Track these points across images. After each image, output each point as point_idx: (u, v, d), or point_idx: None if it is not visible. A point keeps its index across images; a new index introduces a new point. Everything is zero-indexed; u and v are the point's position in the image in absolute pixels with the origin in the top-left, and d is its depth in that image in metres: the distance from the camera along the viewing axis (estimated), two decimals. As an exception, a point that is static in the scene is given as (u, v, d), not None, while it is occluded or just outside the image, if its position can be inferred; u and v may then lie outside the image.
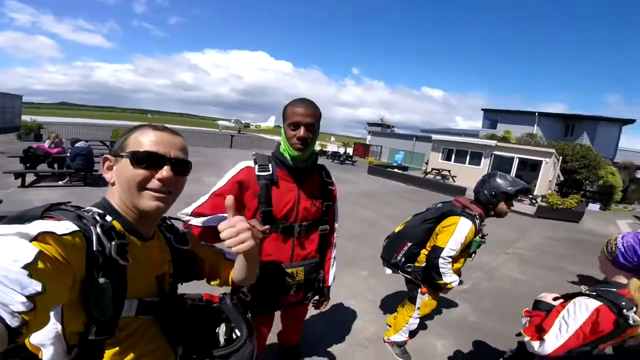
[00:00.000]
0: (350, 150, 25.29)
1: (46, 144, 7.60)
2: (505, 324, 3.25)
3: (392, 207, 8.64)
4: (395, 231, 2.52)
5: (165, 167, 0.77)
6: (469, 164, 18.13)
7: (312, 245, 1.51)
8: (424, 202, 9.94)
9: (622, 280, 1.27)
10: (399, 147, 27.86)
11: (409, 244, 2.35)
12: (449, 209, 2.19)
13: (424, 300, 2.35)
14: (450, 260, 2.07)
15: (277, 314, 1.70)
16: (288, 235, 1.43)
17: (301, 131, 1.28)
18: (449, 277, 2.09)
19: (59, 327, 0.66)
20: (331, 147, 26.24)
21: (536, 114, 24.84)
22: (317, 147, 26.59)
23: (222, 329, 0.94)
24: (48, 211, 0.66)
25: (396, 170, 17.84)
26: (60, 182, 7.03)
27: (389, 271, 2.51)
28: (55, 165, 7.49)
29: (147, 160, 0.75)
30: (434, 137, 20.47)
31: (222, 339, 0.92)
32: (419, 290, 2.33)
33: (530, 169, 17.51)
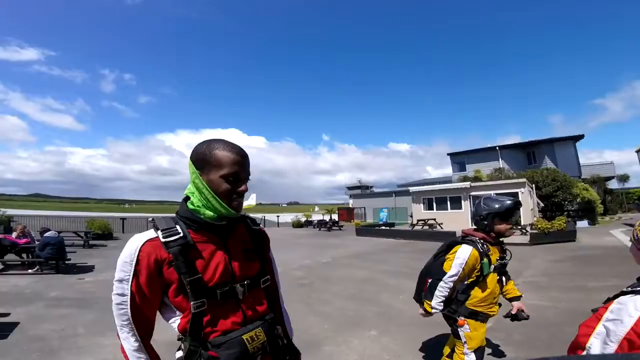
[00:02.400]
0: (335, 216, 25.12)
1: (13, 235, 7.69)
2: (549, 351, 3.02)
3: (386, 263, 8.19)
4: None
5: None
6: (450, 209, 18.31)
7: (263, 303, 1.22)
8: (416, 253, 9.60)
9: None
10: (381, 205, 28.05)
11: (429, 281, 2.33)
12: (454, 240, 2.32)
13: (467, 333, 2.18)
14: (451, 285, 2.13)
15: None
16: (232, 300, 1.11)
17: (244, 185, 1.07)
18: (436, 300, 2.16)
19: None
20: (316, 217, 25.97)
21: (497, 148, 26.28)
22: (302, 218, 26.53)
23: None
24: None
25: (383, 227, 17.62)
26: (29, 270, 6.95)
27: (421, 311, 2.36)
28: (24, 255, 7.48)
29: None
30: (412, 189, 20.91)
31: None
32: (458, 323, 2.20)
33: (510, 201, 17.81)
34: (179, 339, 1.13)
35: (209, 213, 1.08)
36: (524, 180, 16.59)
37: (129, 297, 1.04)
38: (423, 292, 2.37)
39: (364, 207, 30.20)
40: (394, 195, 29.63)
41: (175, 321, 1.12)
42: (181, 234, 1.06)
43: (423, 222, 16.88)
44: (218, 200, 1.05)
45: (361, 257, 9.19)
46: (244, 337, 1.08)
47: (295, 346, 1.34)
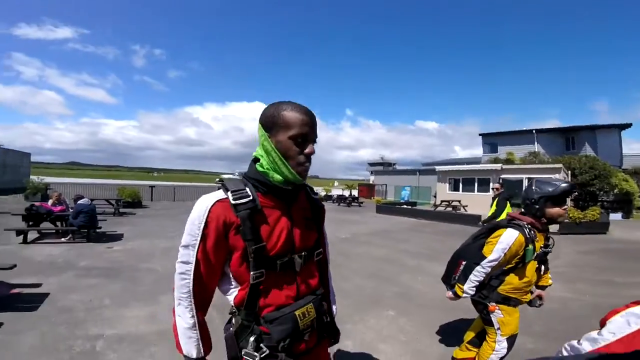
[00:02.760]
0: (355, 192, 25.12)
1: (49, 203, 7.81)
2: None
3: (406, 243, 8.17)
4: None
5: None
6: (478, 191, 17.77)
7: (316, 277, 1.21)
8: (438, 235, 9.53)
9: None
10: (404, 183, 27.69)
11: (464, 263, 2.22)
12: (497, 223, 2.23)
13: (500, 319, 2.10)
14: (488, 270, 2.04)
15: None
16: (289, 272, 1.11)
17: (312, 147, 1.03)
18: (469, 284, 2.08)
19: None
20: (336, 191, 26.07)
21: (534, 131, 24.95)
22: (322, 192, 26.67)
23: None
24: None
25: (405, 206, 17.46)
26: (63, 239, 7.05)
27: (450, 294, 2.30)
28: (58, 223, 7.57)
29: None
30: (438, 168, 20.38)
31: None
32: (488, 309, 2.12)
33: (540, 187, 17.10)
34: (230, 313, 1.13)
35: (277, 177, 1.05)
36: (559, 165, 15.76)
37: (193, 265, 1.04)
38: (454, 275, 2.28)
39: (386, 185, 29.89)
40: (418, 173, 29.10)
41: (232, 293, 1.11)
42: (251, 197, 1.04)
43: (447, 203, 16.56)
44: (285, 164, 1.03)
45: (381, 235, 9.21)
46: (297, 312, 1.08)
47: (337, 325, 1.34)
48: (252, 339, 1.07)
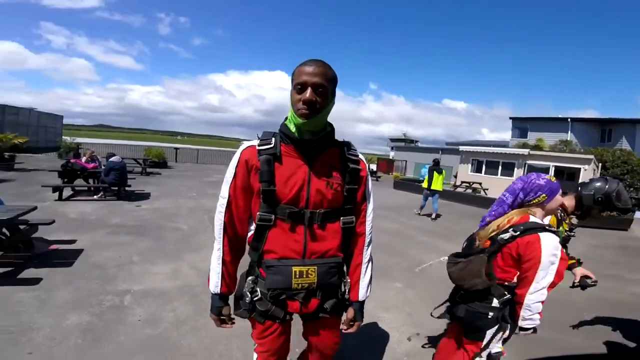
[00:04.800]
0: (374, 166, 25.03)
1: (83, 160, 8.01)
2: (565, 334, 3.07)
3: (421, 220, 8.28)
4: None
5: None
6: (501, 175, 17.35)
7: (332, 240, 1.18)
8: (454, 214, 9.54)
9: None
10: (425, 160, 27.18)
11: None
12: None
13: None
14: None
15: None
16: (298, 224, 1.14)
17: (307, 93, 1.04)
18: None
19: None
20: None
21: (569, 119, 23.67)
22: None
23: None
24: None
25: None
26: (95, 197, 7.33)
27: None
28: (91, 180, 7.85)
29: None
30: (462, 148, 19.87)
31: None
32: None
33: (567, 177, 16.53)
34: (249, 253, 1.24)
35: (292, 126, 1.13)
36: (590, 157, 15.05)
37: (226, 199, 1.18)
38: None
39: (406, 161, 29.48)
40: (440, 152, 28.47)
41: (249, 232, 1.22)
42: (272, 145, 1.14)
43: (467, 184, 16.33)
44: (292, 112, 1.11)
45: (396, 211, 9.32)
46: (294, 268, 1.12)
47: (360, 310, 1.31)
48: (250, 279, 1.21)
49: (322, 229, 1.17)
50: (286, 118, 1.18)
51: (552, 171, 15.47)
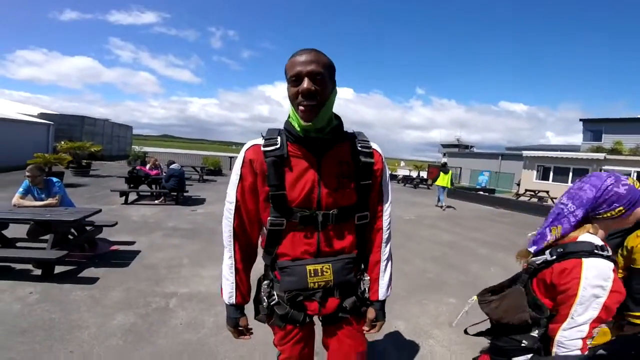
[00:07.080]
0: (424, 174, 24.01)
1: (147, 167, 8.89)
2: None
3: (479, 231, 7.57)
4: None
5: None
6: (572, 182, 15.48)
7: (345, 240, 1.13)
8: (518, 226, 8.61)
9: None
10: (481, 167, 25.40)
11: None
12: None
13: (603, 329, 1.77)
14: None
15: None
16: (310, 227, 1.08)
17: (305, 82, 0.96)
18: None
19: None
20: (402, 171, 25.23)
21: (650, 119, 20.44)
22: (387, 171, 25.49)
23: None
24: None
25: (481, 192, 16.10)
26: (156, 201, 7.89)
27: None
28: (153, 186, 8.53)
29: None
30: (526, 153, 18.21)
31: None
32: None
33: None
34: (262, 256, 1.20)
35: (296, 125, 1.06)
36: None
37: (234, 204, 1.12)
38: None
39: (460, 168, 27.78)
40: (499, 158, 26.40)
41: (261, 237, 1.19)
42: (278, 145, 1.06)
43: (532, 192, 14.83)
44: (293, 109, 1.03)
45: (449, 221, 8.68)
46: (308, 267, 1.08)
47: (382, 310, 1.23)
48: (265, 283, 1.16)
49: (337, 230, 1.12)
50: (289, 116, 1.12)
51: (634, 177, 13.36)
